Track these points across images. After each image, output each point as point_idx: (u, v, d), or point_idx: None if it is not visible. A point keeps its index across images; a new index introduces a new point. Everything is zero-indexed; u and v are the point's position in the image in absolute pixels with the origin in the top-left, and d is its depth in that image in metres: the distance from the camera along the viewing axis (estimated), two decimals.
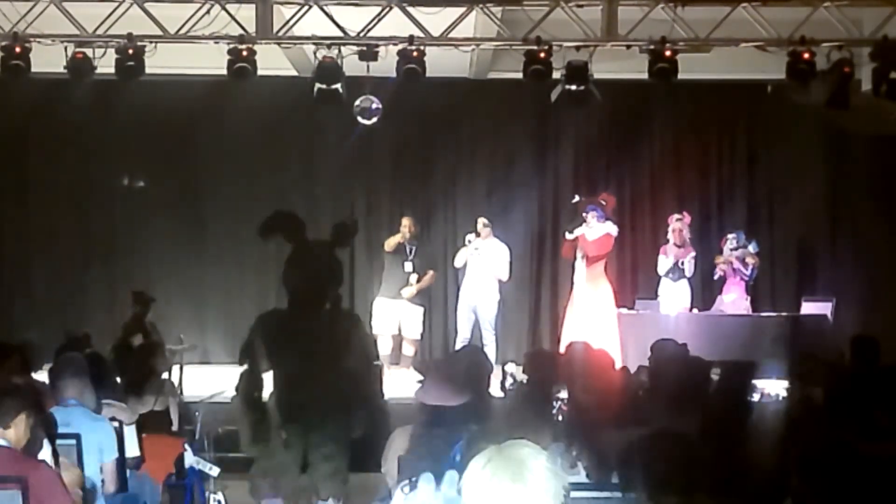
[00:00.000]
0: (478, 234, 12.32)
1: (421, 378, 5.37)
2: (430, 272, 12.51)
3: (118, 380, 7.65)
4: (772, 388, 7.73)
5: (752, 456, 4.93)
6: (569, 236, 12.32)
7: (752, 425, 5.34)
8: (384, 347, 12.32)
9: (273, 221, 6.73)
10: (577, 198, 12.55)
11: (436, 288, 13.86)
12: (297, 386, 6.39)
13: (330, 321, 6.58)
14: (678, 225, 12.43)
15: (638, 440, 4.02)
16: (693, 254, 12.35)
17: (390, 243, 12.46)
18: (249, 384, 6.40)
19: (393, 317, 12.31)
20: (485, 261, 12.22)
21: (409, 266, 12.36)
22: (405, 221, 12.56)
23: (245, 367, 6.43)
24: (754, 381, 6.12)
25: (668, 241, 12.51)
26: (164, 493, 6.94)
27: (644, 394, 6.07)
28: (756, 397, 6.42)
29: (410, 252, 12.42)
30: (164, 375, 8.53)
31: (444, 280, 13.71)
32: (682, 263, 12.30)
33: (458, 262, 12.49)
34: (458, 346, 12.14)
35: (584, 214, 12.23)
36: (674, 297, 12.33)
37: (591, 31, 10.47)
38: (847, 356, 7.12)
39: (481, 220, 12.42)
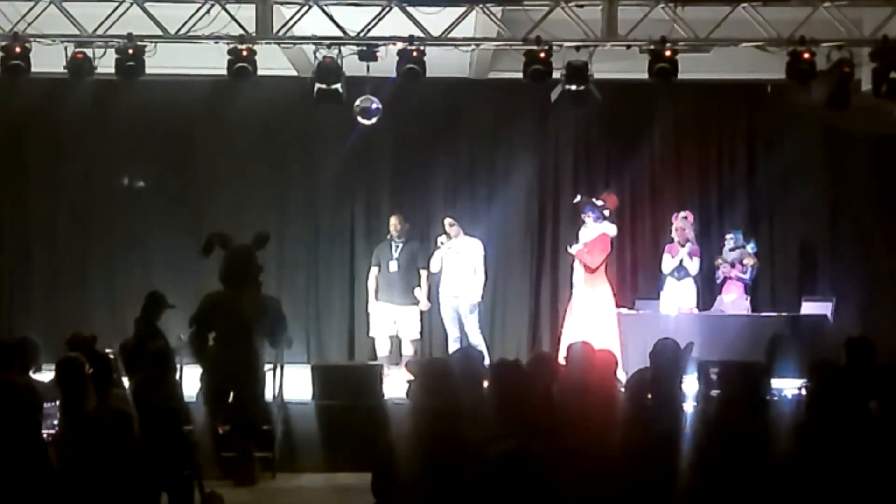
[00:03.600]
0: (448, 235, 12.21)
1: (411, 378, 5.36)
2: (424, 273, 12.29)
3: (125, 380, 7.65)
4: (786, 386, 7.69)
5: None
6: (570, 250, 12.33)
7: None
8: (382, 349, 12.30)
9: (209, 240, 9.77)
10: (578, 197, 12.54)
11: (436, 287, 13.86)
12: (229, 343, 9.40)
13: (253, 299, 9.55)
14: (681, 223, 12.41)
15: None
16: (692, 251, 12.32)
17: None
18: (198, 341, 9.54)
19: (389, 319, 12.27)
20: (460, 259, 12.14)
21: (394, 266, 12.22)
22: (392, 220, 12.43)
23: (194, 328, 9.53)
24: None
25: (672, 240, 12.51)
26: None
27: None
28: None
29: (396, 250, 12.29)
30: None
31: (441, 279, 13.70)
32: (684, 262, 12.29)
33: (433, 267, 12.28)
34: (451, 345, 12.14)
35: (582, 215, 12.25)
36: (678, 296, 12.30)
37: (591, 31, 10.47)
38: (843, 357, 7.10)
39: (447, 220, 12.27)
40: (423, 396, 4.99)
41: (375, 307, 12.39)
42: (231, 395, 9.45)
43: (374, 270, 12.44)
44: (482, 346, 11.92)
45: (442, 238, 12.18)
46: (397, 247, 12.31)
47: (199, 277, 13.79)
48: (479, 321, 12.25)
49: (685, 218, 12.49)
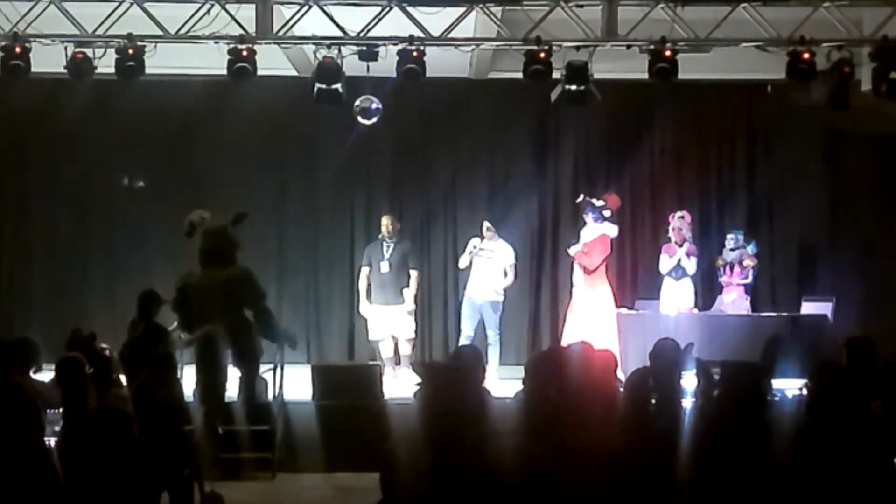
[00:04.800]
0: (483, 237, 12.22)
1: (418, 381, 5.38)
2: (414, 273, 12.28)
3: (122, 379, 7.65)
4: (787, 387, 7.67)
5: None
6: (569, 252, 12.32)
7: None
8: (386, 351, 12.28)
9: (190, 223, 10.14)
10: (581, 197, 12.53)
11: (436, 287, 13.86)
12: (206, 315, 9.73)
13: (224, 276, 9.80)
14: (678, 223, 12.42)
15: None
16: (690, 251, 12.31)
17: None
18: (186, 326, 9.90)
19: (386, 321, 12.25)
20: (491, 263, 12.13)
21: (385, 266, 12.14)
22: (384, 220, 12.35)
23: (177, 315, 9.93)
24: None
25: (669, 239, 12.52)
26: None
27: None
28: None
29: (387, 251, 12.22)
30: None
31: (444, 280, 13.70)
32: (682, 262, 12.29)
33: (462, 264, 12.31)
34: (462, 342, 12.09)
35: (583, 215, 12.26)
36: (676, 296, 12.30)
37: (591, 31, 10.47)
38: (844, 357, 7.09)
39: (485, 224, 12.23)
40: (431, 397, 5.01)
41: (370, 310, 12.35)
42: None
43: (365, 270, 12.38)
44: (497, 345, 11.92)
45: (475, 240, 12.16)
46: (389, 247, 12.23)
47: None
48: (499, 322, 12.22)
49: (682, 217, 12.49)
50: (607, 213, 12.22)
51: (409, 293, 12.20)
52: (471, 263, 12.18)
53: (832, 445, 4.92)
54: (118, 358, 8.34)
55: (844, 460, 4.85)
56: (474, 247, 12.12)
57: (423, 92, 12.04)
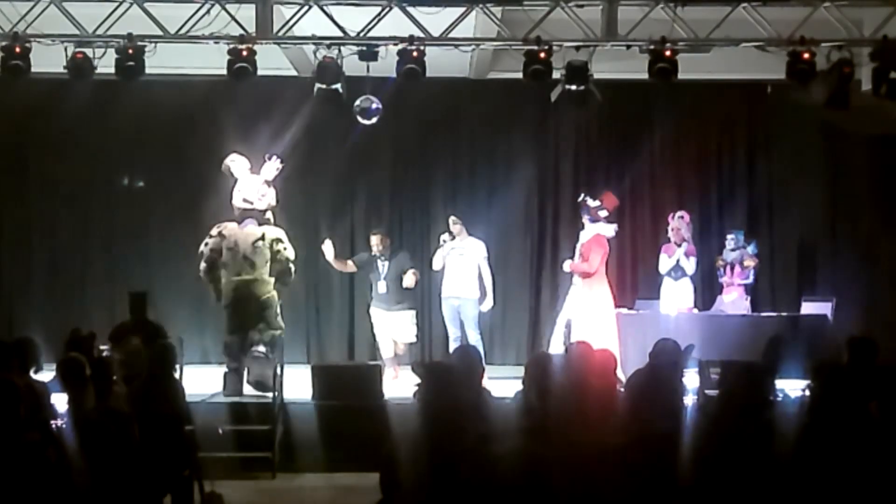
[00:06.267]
0: (451, 234, 12.17)
1: (418, 382, 5.38)
2: (410, 271, 12.11)
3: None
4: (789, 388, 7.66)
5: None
6: (565, 268, 12.25)
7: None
8: (386, 351, 12.26)
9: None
10: (581, 197, 12.50)
11: (436, 288, 13.83)
12: (234, 264, 10.66)
13: (263, 230, 10.80)
14: (677, 223, 12.43)
15: None
16: (689, 251, 12.30)
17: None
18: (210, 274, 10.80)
19: (387, 324, 12.24)
20: (463, 261, 12.09)
21: (383, 286, 12.07)
22: (373, 239, 12.25)
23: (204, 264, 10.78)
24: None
25: (668, 239, 12.52)
26: None
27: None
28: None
29: (383, 269, 12.12)
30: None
31: (443, 279, 13.68)
32: (681, 262, 12.28)
33: (435, 265, 12.22)
34: (452, 344, 12.10)
35: (581, 216, 12.24)
36: (675, 295, 12.31)
37: (591, 31, 10.47)
38: (845, 356, 7.09)
39: (452, 219, 12.16)
40: (429, 398, 5.02)
41: (374, 312, 12.35)
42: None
43: (350, 263, 12.43)
44: (479, 344, 11.88)
45: (444, 236, 12.13)
46: (384, 265, 12.15)
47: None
48: (477, 320, 12.19)
49: (681, 218, 12.49)
50: (604, 214, 12.16)
51: (414, 280, 12.07)
52: (443, 264, 12.15)
53: (833, 445, 4.92)
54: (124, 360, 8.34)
55: (845, 460, 4.85)
56: (445, 241, 12.06)
57: (423, 92, 12.04)
